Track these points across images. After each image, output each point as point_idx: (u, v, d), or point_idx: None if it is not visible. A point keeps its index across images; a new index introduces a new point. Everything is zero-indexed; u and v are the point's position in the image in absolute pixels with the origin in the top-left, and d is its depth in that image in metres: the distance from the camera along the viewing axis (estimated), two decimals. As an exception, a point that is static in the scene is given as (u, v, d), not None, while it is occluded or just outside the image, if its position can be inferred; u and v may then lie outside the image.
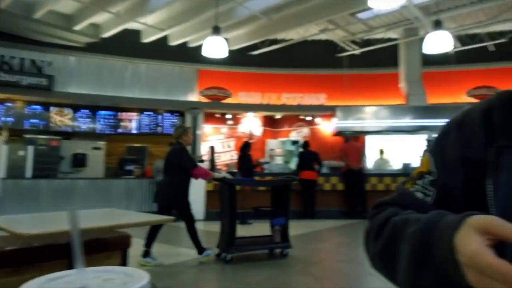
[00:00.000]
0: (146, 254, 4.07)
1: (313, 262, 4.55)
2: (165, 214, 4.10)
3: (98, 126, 8.68)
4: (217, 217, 4.82)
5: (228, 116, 9.46)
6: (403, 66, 8.56)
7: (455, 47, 7.78)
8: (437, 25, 5.08)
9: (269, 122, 9.95)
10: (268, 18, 7.00)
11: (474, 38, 8.30)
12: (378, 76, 9.48)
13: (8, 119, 7.94)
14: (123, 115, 8.89)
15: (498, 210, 0.56)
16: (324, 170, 8.16)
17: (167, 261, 4.28)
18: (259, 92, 9.58)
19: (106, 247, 2.32)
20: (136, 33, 8.42)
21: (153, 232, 4.08)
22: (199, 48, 6.34)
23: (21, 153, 7.18)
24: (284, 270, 4.16)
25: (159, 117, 9.13)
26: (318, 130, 9.72)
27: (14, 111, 8.04)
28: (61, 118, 8.43)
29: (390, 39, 8.72)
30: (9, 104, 7.98)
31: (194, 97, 9.20)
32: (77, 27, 7.63)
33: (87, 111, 8.61)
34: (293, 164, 8.73)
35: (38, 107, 8.23)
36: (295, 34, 8.63)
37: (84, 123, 8.60)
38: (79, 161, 7.91)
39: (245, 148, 7.50)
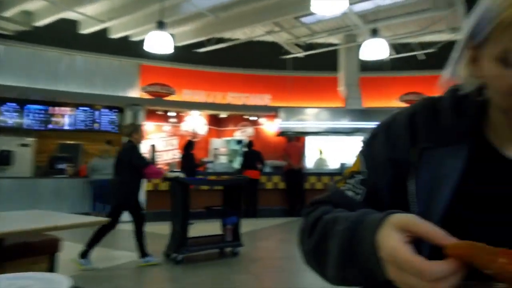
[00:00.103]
0: (84, 254, 3.85)
1: (255, 259, 4.61)
2: (116, 214, 3.94)
3: (26, 121, 8.00)
4: (157, 218, 4.70)
5: (171, 113, 9.24)
6: (342, 71, 8.99)
7: (389, 55, 8.33)
8: (374, 33, 5.41)
9: (214, 121, 9.89)
10: (215, 16, 6.96)
11: (406, 47, 8.95)
12: (319, 79, 9.85)
13: None
14: (56, 110, 8.29)
15: (419, 208, 0.60)
16: (267, 169, 8.31)
17: (103, 264, 4.07)
18: (204, 91, 9.48)
19: (32, 252, 2.14)
20: (73, 23, 7.88)
21: (100, 234, 3.87)
22: (141, 42, 6.12)
23: None
24: (232, 269, 4.17)
25: (96, 113, 8.65)
26: (262, 130, 9.86)
27: None
28: (-17, 112, 7.66)
29: (331, 44, 9.10)
30: None
31: (135, 93, 8.86)
32: (7, 14, 6.97)
33: (14, 104, 7.90)
34: (237, 163, 8.76)
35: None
36: (241, 34, 8.67)
37: (10, 118, 7.88)
38: (4, 158, 7.25)
39: (188, 147, 7.38)
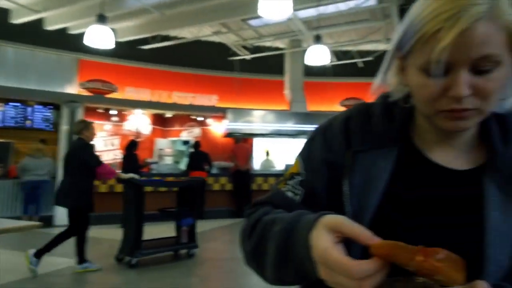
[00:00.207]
0: (38, 254, 3.65)
1: (204, 260, 4.57)
2: (75, 217, 3.76)
3: None
4: (97, 222, 4.47)
5: (113, 112, 8.83)
6: (287, 75, 9.22)
7: (331, 61, 8.70)
8: (317, 39, 5.62)
9: (159, 121, 9.63)
10: (160, 13, 6.78)
11: (347, 54, 9.41)
12: (266, 82, 10.01)
13: None
14: (-19, 105, 7.56)
15: (352, 208, 0.64)
16: (214, 170, 8.26)
17: (40, 270, 3.79)
18: (149, 89, 9.20)
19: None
20: (3, 12, 7.24)
21: (60, 240, 3.69)
22: (81, 36, 5.78)
23: None
24: (189, 271, 4.09)
25: (29, 109, 8.02)
26: (209, 130, 9.79)
27: None
28: None
29: (277, 48, 9.30)
30: None
31: (73, 89, 8.35)
32: None
33: None
34: (183, 165, 8.61)
35: None
36: (188, 33, 8.55)
37: None
38: None
39: (131, 147, 7.11)
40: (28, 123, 7.99)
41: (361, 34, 8.32)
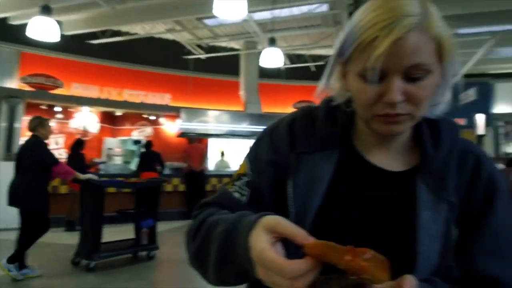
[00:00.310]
0: (13, 260, 3.46)
1: (162, 262, 4.46)
2: (27, 219, 3.55)
3: None
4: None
5: (58, 109, 8.33)
6: (243, 76, 9.25)
7: (285, 64, 8.87)
8: (272, 42, 5.69)
9: (108, 119, 9.24)
10: (110, 7, 6.51)
11: (300, 58, 9.63)
12: (221, 82, 9.98)
13: None
14: None
15: (295, 209, 0.66)
16: (167, 171, 8.08)
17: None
18: (98, 86, 8.81)
19: None
20: None
21: (22, 243, 3.50)
22: (23, 27, 5.39)
23: None
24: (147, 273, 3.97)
25: (-38, 104, 7.35)
26: (162, 130, 9.56)
27: None
28: None
29: (233, 49, 9.30)
30: None
31: (13, 83, 7.77)
32: None
33: None
34: (133, 165, 8.33)
35: None
36: (140, 29, 8.29)
37: None
38: None
39: (77, 146, 6.74)
40: (-41, 119, 7.31)
41: (313, 39, 8.56)
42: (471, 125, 9.89)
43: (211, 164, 9.08)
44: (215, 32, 8.48)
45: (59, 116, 8.39)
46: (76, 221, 5.75)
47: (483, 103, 10.00)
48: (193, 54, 9.04)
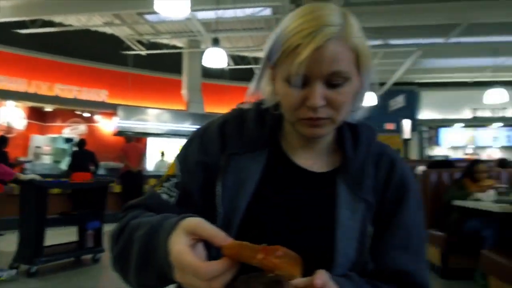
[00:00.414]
0: None
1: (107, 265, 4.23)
2: None
3: None
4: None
5: (-23, 102, 7.56)
6: (185, 74, 9.10)
7: (229, 65, 8.88)
8: (215, 42, 5.67)
9: (36, 115, 8.57)
10: (41, -5, 6.05)
11: (244, 60, 9.71)
12: (162, 80, 9.71)
13: None
14: None
15: (224, 209, 0.66)
16: (101, 171, 7.68)
17: None
18: (25, 78, 8.11)
19: None
20: None
21: None
22: None
23: None
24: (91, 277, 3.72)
25: None
26: (97, 128, 9.08)
27: None
28: None
29: (175, 47, 9.11)
30: None
31: None
32: None
33: None
34: (64, 164, 7.80)
35: None
36: (75, 21, 7.79)
37: None
38: None
39: (-1, 144, 6.16)
40: None
41: (257, 42, 8.68)
42: (399, 129, 10.68)
43: (151, 164, 8.81)
44: (156, 29, 8.23)
45: (-21, 110, 7.61)
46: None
47: (410, 110, 10.87)
48: (133, 49, 8.69)
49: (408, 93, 10.66)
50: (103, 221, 4.31)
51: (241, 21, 7.29)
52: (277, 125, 0.74)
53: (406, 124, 10.48)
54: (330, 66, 0.60)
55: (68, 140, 8.49)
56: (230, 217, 0.66)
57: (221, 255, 0.49)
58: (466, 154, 11.07)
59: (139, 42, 8.67)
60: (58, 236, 4.28)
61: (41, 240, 3.70)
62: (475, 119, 11.03)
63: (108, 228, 4.78)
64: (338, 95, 0.62)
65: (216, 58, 5.60)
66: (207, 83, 9.40)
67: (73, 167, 7.03)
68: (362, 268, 0.66)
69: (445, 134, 11.29)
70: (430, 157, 10.81)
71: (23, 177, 3.87)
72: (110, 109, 8.62)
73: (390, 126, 10.62)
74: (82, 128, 8.94)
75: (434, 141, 11.37)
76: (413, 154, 10.86)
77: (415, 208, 0.71)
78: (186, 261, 0.48)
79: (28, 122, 8.35)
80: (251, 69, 9.67)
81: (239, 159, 0.70)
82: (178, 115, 9.00)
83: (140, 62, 9.04)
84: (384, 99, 10.04)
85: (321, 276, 0.51)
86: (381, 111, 10.20)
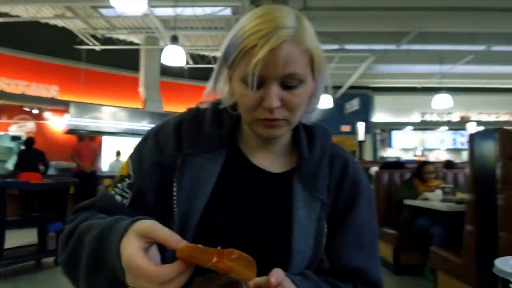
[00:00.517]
0: None
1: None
2: None
3: None
4: None
5: None
6: (142, 72, 8.84)
7: (188, 64, 8.76)
8: (174, 40, 5.56)
9: (-22, 111, 7.95)
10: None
11: (204, 59, 9.61)
12: (118, 76, 9.38)
13: None
14: None
15: (180, 211, 0.65)
16: (52, 171, 7.28)
17: None
18: (-35, 71, 7.51)
19: None
20: None
21: None
22: None
23: None
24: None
25: None
26: (47, 125, 8.58)
27: None
28: None
29: (132, 43, 8.83)
30: None
31: None
32: None
33: None
34: (10, 164, 7.31)
35: None
36: (23, 11, 7.32)
37: None
38: None
39: None
40: None
41: (217, 41, 8.63)
42: (354, 131, 11.07)
43: (105, 164, 8.47)
44: (112, 24, 7.92)
45: None
46: None
47: (364, 113, 11.31)
48: (86, 44, 8.31)
49: (363, 97, 11.09)
50: (65, 223, 4.12)
51: (200, 19, 7.21)
52: (235, 126, 0.74)
53: (361, 126, 10.88)
54: (285, 68, 0.60)
55: (15, 138, 7.97)
56: (187, 219, 0.65)
57: (175, 257, 0.48)
58: (416, 155, 11.70)
59: (93, 36, 8.30)
60: (16, 238, 4.11)
61: (2, 243, 3.56)
62: (423, 122, 11.68)
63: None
64: (293, 97, 0.63)
65: (175, 56, 5.49)
66: (165, 81, 9.20)
67: (20, 166, 6.59)
68: (318, 266, 0.67)
69: (396, 136, 11.86)
70: (383, 158, 11.31)
71: None
72: (61, 106, 8.18)
73: (346, 128, 10.99)
74: (30, 125, 8.41)
75: (386, 143, 11.90)
76: (367, 155, 11.31)
77: (367, 207, 0.74)
78: (138, 265, 0.47)
79: (-32, 119, 7.74)
80: (211, 68, 9.59)
81: (196, 159, 0.69)
82: (135, 113, 8.72)
83: (94, 57, 8.66)
84: (340, 102, 10.38)
85: (276, 274, 0.51)
86: (337, 114, 10.53)
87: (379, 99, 11.75)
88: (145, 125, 8.63)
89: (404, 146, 11.86)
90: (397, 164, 4.91)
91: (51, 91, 8.50)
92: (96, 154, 7.71)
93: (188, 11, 6.61)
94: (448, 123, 11.69)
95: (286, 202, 0.69)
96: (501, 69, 9.37)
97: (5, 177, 6.27)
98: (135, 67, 8.92)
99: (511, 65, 8.79)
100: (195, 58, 9.39)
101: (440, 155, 11.49)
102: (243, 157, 0.73)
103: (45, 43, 8.20)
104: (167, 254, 0.56)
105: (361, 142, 10.91)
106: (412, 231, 3.49)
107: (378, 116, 11.76)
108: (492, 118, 11.62)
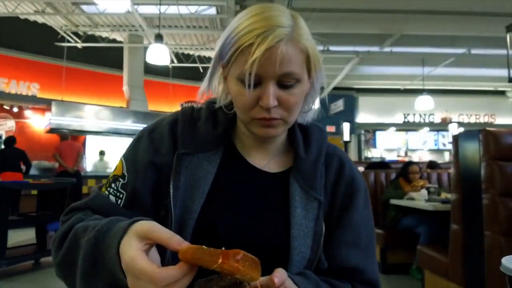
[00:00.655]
0: None
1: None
2: None
3: None
4: None
5: None
6: (126, 70, 8.71)
7: (172, 62, 8.68)
8: (158, 38, 5.49)
9: (-47, 109, 7.68)
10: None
11: (188, 58, 9.54)
12: (101, 75, 9.23)
13: None
14: None
15: (177, 211, 0.64)
16: (33, 171, 7.09)
17: None
18: None
19: None
20: None
21: None
22: None
23: None
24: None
25: None
26: (28, 124, 8.37)
27: None
28: None
29: (115, 41, 8.68)
30: None
31: None
32: None
33: None
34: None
35: None
36: (1, 7, 7.10)
37: None
38: None
39: None
40: None
41: (201, 40, 8.58)
42: (339, 132, 11.20)
43: (89, 164, 8.31)
44: (94, 21, 7.77)
45: None
46: None
47: (349, 113, 11.45)
48: (68, 41, 8.12)
49: (347, 98, 11.22)
50: None
51: (185, 18, 7.14)
52: (230, 125, 0.73)
53: (346, 127, 11.02)
54: (282, 67, 0.59)
55: (-6, 138, 7.74)
56: (184, 219, 0.64)
57: (176, 259, 0.47)
58: (399, 156, 11.92)
59: (75, 33, 8.13)
60: (14, 237, 4.11)
61: (5, 242, 3.56)
62: (406, 123, 11.90)
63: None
64: (289, 96, 0.63)
65: (159, 54, 5.42)
66: (150, 80, 9.09)
67: (1, 166, 6.41)
68: (316, 265, 0.67)
69: (380, 137, 12.05)
70: (367, 158, 11.47)
71: None
72: (42, 104, 7.99)
73: (331, 128, 11.10)
74: (10, 124, 8.19)
75: (371, 143, 12.08)
76: (353, 156, 11.46)
77: (364, 206, 0.74)
78: (140, 267, 0.45)
79: None
80: (197, 67, 9.53)
81: (192, 159, 0.68)
82: (119, 112, 8.58)
83: (76, 55, 8.49)
84: (325, 102, 10.45)
85: (279, 275, 0.51)
86: (323, 114, 10.60)
87: (363, 100, 11.91)
88: (129, 124, 8.50)
89: (388, 146, 12.06)
90: (383, 165, 4.97)
91: (32, 89, 8.29)
92: (79, 153, 7.56)
93: (172, 9, 6.54)
94: (430, 124, 11.94)
95: (283, 202, 0.69)
96: (481, 72, 9.62)
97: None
98: (119, 66, 8.78)
99: (491, 68, 9.03)
100: (179, 57, 9.31)
101: (423, 156, 11.74)
102: (239, 157, 0.73)
103: (25, 39, 7.99)
104: (167, 255, 0.54)
105: (346, 143, 11.04)
106: (398, 230, 3.55)
107: (362, 117, 11.92)
108: (472, 119, 11.94)
